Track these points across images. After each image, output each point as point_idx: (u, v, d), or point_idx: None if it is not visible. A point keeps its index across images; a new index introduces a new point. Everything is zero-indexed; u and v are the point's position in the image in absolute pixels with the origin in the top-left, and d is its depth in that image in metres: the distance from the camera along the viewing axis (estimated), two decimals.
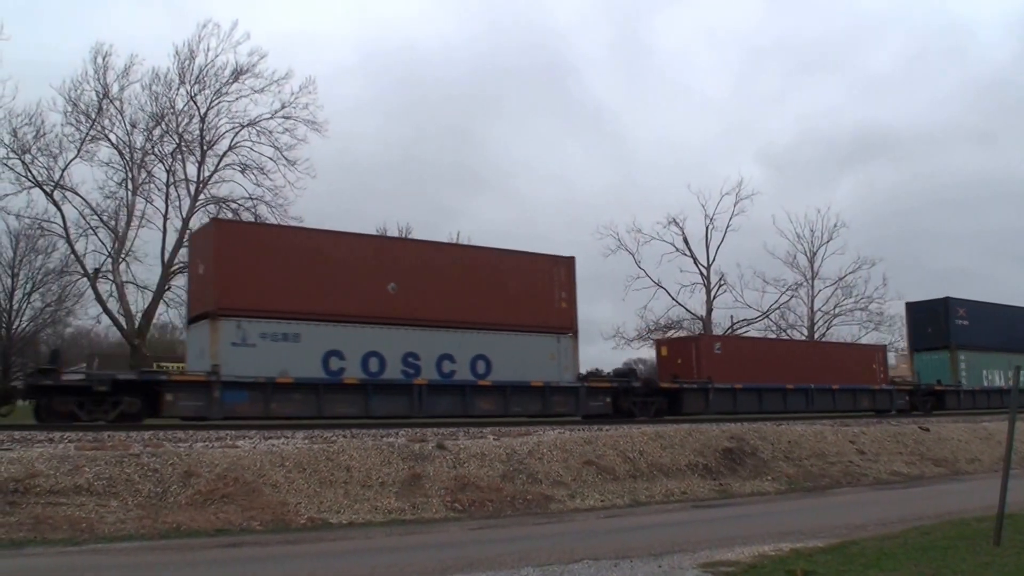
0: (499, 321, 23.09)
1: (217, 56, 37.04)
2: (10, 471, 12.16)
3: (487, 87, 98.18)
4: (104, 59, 35.53)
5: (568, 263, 24.98)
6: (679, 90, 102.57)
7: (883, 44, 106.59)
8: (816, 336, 52.68)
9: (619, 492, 16.28)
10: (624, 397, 25.47)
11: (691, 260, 51.92)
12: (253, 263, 19.96)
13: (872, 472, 20.75)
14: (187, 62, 36.85)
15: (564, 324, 24.36)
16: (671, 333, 51.01)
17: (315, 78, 42.77)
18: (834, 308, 54.56)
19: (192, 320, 21.46)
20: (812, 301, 54.43)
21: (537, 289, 24.00)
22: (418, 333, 21.74)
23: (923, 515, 13.26)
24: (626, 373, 27.65)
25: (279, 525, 12.38)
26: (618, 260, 52.63)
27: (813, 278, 54.34)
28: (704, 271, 51.76)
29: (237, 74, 37.22)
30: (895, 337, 53.34)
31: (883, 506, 15.48)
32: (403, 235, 47.71)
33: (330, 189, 69.76)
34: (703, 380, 28.04)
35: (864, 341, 50.82)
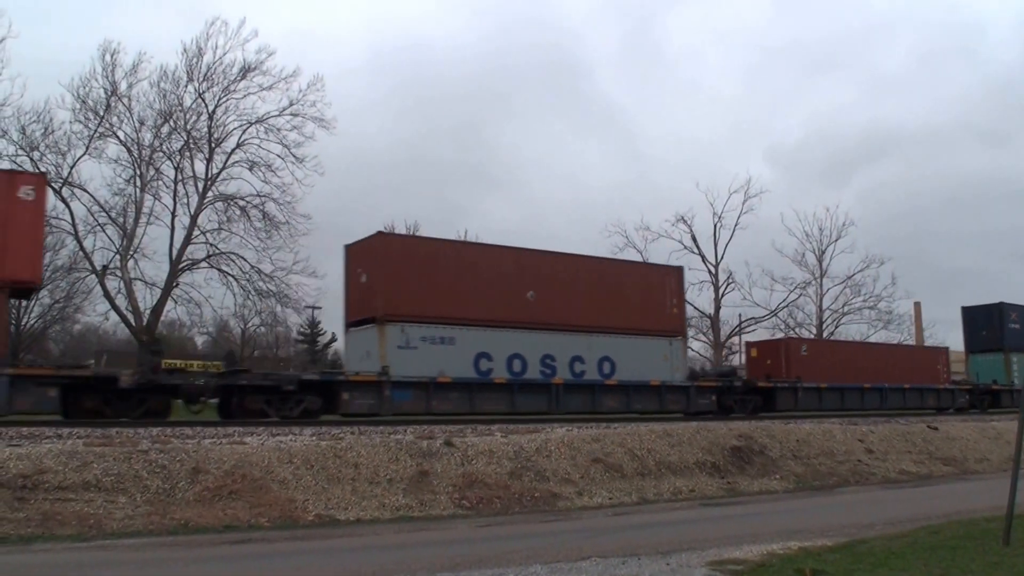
0: (621, 326, 25.05)
1: (225, 54, 37.04)
2: (19, 467, 12.20)
3: (497, 85, 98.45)
4: (112, 56, 35.56)
5: (678, 273, 27.95)
6: (689, 89, 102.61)
7: (893, 43, 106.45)
8: (824, 334, 52.53)
9: (627, 490, 16.26)
10: (726, 395, 27.57)
11: (699, 258, 51.88)
12: (412, 273, 21.91)
13: (881, 471, 20.69)
14: (195, 59, 36.87)
15: (675, 328, 26.76)
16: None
17: (323, 76, 42.91)
18: (843, 307, 54.50)
19: (352, 324, 23.01)
20: (821, 300, 54.35)
21: (652, 296, 26.25)
22: (553, 337, 23.76)
23: (932, 514, 13.20)
24: (728, 373, 30.18)
25: (287, 522, 12.40)
26: (626, 257, 52.44)
27: (822, 276, 54.23)
28: (712, 269, 51.67)
29: (245, 71, 37.23)
30: (904, 336, 53.18)
31: (892, 505, 15.43)
32: (411, 232, 47.88)
33: (340, 186, 70.04)
34: (793, 380, 30.05)
35: (874, 339, 50.79)
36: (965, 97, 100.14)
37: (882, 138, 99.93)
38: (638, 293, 25.97)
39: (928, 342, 53.45)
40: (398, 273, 21.74)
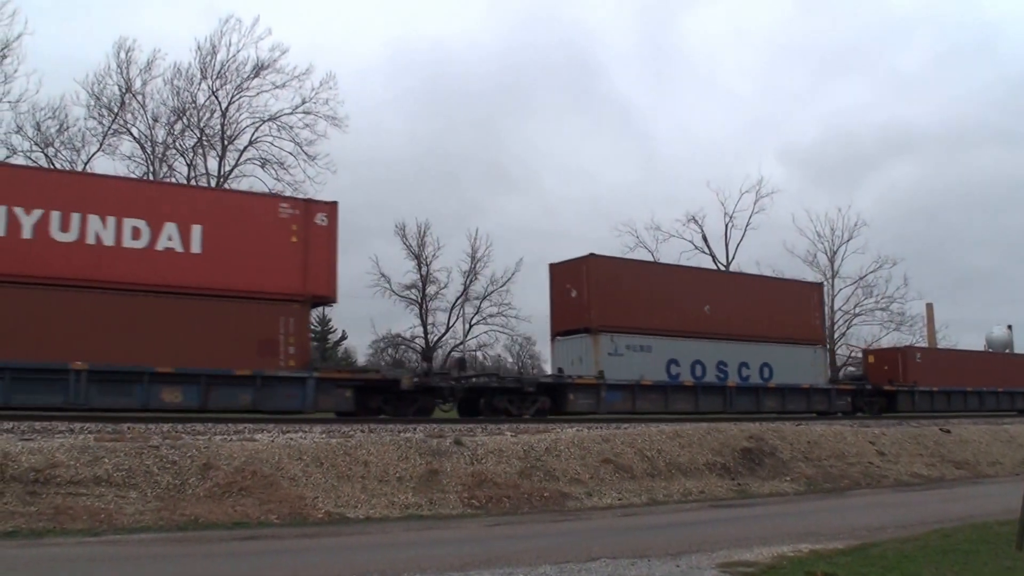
0: (777, 335, 28.45)
1: (239, 51, 37.28)
2: (31, 461, 12.27)
3: (514, 83, 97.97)
4: (127, 54, 35.83)
5: (819, 288, 32.71)
6: (705, 87, 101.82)
7: (911, 43, 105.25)
8: (836, 336, 52.26)
9: (637, 491, 16.21)
10: (858, 397, 31.08)
11: (710, 258, 51.77)
12: (618, 289, 25.28)
13: (892, 474, 20.56)
14: (209, 57, 37.12)
15: (818, 337, 30.55)
16: None
17: (336, 74, 43.01)
18: (854, 308, 54.18)
19: (560, 334, 26.02)
20: (832, 300, 54.06)
21: (800, 309, 29.86)
22: (726, 345, 27.09)
23: (944, 518, 13.10)
24: (859, 378, 33.85)
25: (296, 519, 12.41)
26: (637, 256, 52.31)
27: (833, 277, 53.93)
28: (723, 269, 51.48)
29: (258, 69, 37.44)
30: (916, 338, 52.82)
31: (903, 508, 15.32)
32: (422, 231, 48.05)
33: (356, 182, 69.99)
34: (911, 384, 33.61)
35: (885, 342, 50.52)
36: (983, 97, 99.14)
37: (898, 138, 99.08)
38: (789, 306, 29.59)
39: (941, 344, 53.10)
40: (607, 290, 25.04)
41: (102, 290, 18.00)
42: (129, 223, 18.48)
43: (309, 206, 20.67)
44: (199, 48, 37.23)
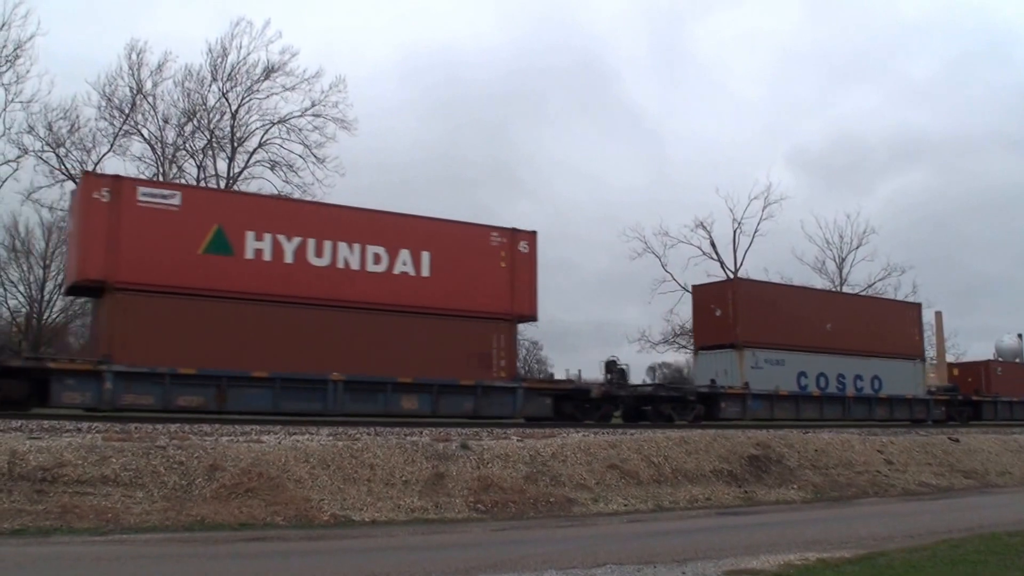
0: (884, 350, 31.28)
1: (249, 54, 37.40)
2: (39, 460, 12.31)
3: (525, 87, 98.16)
4: (139, 55, 35.97)
5: (917, 307, 35.62)
6: (715, 93, 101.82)
7: (923, 50, 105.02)
8: None
9: (643, 497, 16.17)
10: (950, 407, 33.81)
11: (718, 264, 51.65)
12: (758, 309, 28.28)
13: (900, 483, 20.45)
14: (220, 59, 37.23)
15: (918, 352, 33.66)
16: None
17: (345, 77, 42.80)
18: None
19: (703, 348, 29.09)
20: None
21: (903, 326, 33.07)
22: (844, 359, 29.81)
23: (953, 528, 13.01)
24: (952, 389, 35.81)
25: (302, 521, 12.42)
26: (645, 262, 52.25)
27: (842, 284, 53.64)
28: (731, 275, 51.33)
29: (268, 72, 37.54)
30: (925, 346, 52.48)
31: (911, 517, 15.23)
32: None
33: (368, 185, 70.37)
34: (993, 395, 36.39)
35: None
36: (995, 104, 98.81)
37: (909, 144, 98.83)
38: (893, 324, 32.58)
39: (950, 352, 52.85)
40: (750, 309, 28.04)
41: (350, 309, 20.45)
42: (371, 249, 21.09)
43: (514, 235, 23.36)
44: (210, 50, 37.38)
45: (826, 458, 20.45)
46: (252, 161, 38.37)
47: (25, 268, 44.37)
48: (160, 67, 36.27)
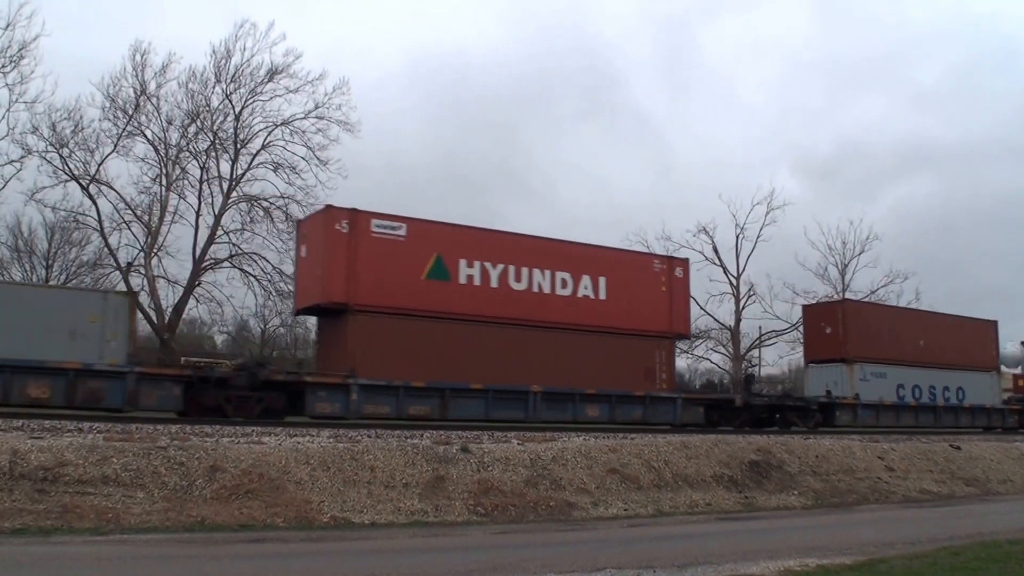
0: (966, 363, 34.27)
1: (253, 56, 37.37)
2: (40, 459, 12.32)
3: (532, 91, 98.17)
4: (143, 57, 35.95)
5: (994, 324, 37.12)
6: (723, 100, 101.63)
7: (931, 58, 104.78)
8: None
9: (643, 501, 16.15)
10: (1022, 415, 36.71)
11: (720, 269, 51.64)
12: (864, 327, 31.43)
13: (901, 489, 20.42)
14: (224, 61, 37.20)
15: (993, 365, 36.37)
16: (698, 343, 51.04)
17: (348, 79, 42.58)
18: None
19: (814, 362, 32.32)
20: None
21: (981, 341, 35.83)
22: (934, 372, 32.85)
23: (953, 535, 12.99)
24: (1022, 398, 38.88)
25: (302, 522, 12.42)
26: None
27: (844, 291, 53.58)
28: (734, 281, 51.28)
29: (272, 74, 37.49)
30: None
31: (912, 524, 15.22)
32: None
33: (375, 187, 70.55)
34: None
35: None
36: (1003, 112, 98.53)
37: (915, 152, 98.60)
38: (974, 339, 35.42)
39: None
40: (859, 327, 31.13)
41: (543, 328, 22.99)
42: (559, 275, 23.75)
43: (671, 262, 26.95)
44: (214, 52, 37.30)
45: (827, 464, 20.42)
46: (255, 163, 38.35)
47: (28, 268, 44.45)
48: (164, 68, 36.24)
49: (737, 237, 51.14)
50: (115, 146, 35.54)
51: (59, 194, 35.38)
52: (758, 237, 50.79)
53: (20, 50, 32.68)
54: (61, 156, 34.40)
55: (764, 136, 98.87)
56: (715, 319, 51.51)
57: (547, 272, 23.46)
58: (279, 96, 37.82)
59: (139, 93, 35.82)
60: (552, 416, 22.82)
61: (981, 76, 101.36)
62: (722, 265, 51.19)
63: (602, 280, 24.37)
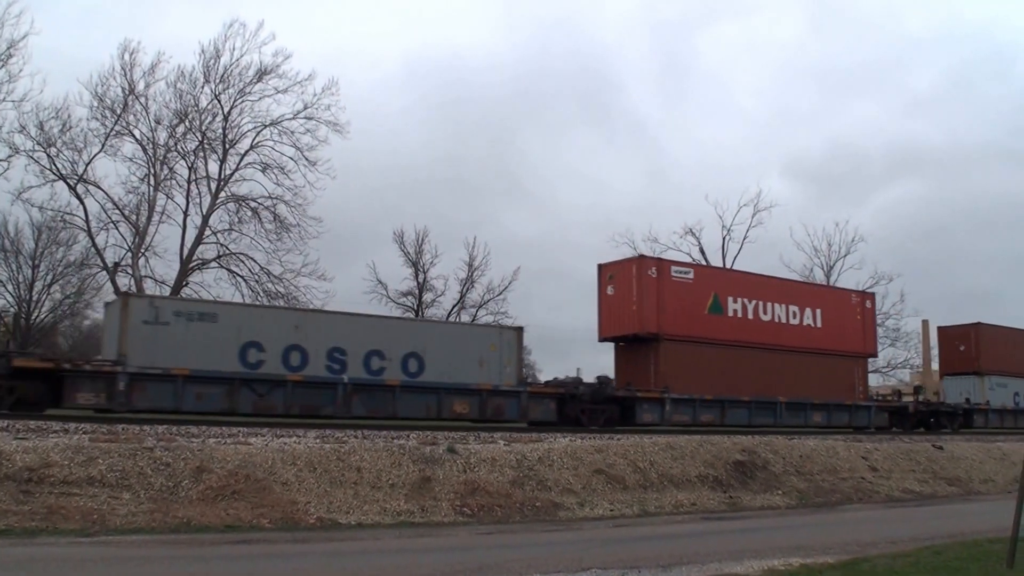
0: None
1: (242, 56, 37.32)
2: (25, 460, 12.28)
3: (530, 94, 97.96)
4: (131, 56, 35.81)
5: None
6: (717, 104, 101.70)
7: (924, 63, 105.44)
8: None
9: (628, 502, 16.23)
10: None
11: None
12: (992, 345, 37.24)
13: (884, 489, 20.59)
14: (212, 61, 37.11)
15: None
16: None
17: (337, 79, 42.47)
18: None
19: (950, 374, 37.74)
20: None
21: None
22: None
23: (935, 534, 13.11)
24: None
25: (288, 523, 12.43)
26: None
27: None
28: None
29: (261, 74, 37.43)
30: (911, 354, 52.94)
31: (894, 524, 15.35)
32: (420, 238, 48.20)
33: (370, 189, 70.37)
34: None
35: (881, 357, 50.80)
36: (993, 117, 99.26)
37: (905, 156, 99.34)
38: None
39: (935, 361, 53.19)
40: (991, 347, 37.07)
41: (782, 351, 28.76)
42: (791, 308, 29.76)
43: (863, 295, 33.81)
44: (203, 52, 37.23)
45: (811, 464, 20.57)
46: (243, 163, 38.26)
47: (14, 268, 44.19)
48: (153, 68, 36.11)
49: (724, 239, 51.51)
50: (103, 146, 35.40)
51: (46, 193, 35.22)
52: (744, 238, 51.23)
53: (8, 48, 32.51)
54: (48, 155, 34.23)
55: (757, 140, 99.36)
56: None
57: (782, 306, 29.51)
58: (268, 96, 37.78)
59: (127, 92, 35.69)
60: (792, 421, 28.31)
61: (973, 82, 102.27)
62: (708, 266, 51.47)
63: (818, 311, 30.42)
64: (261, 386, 19.79)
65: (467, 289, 49.78)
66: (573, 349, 72.55)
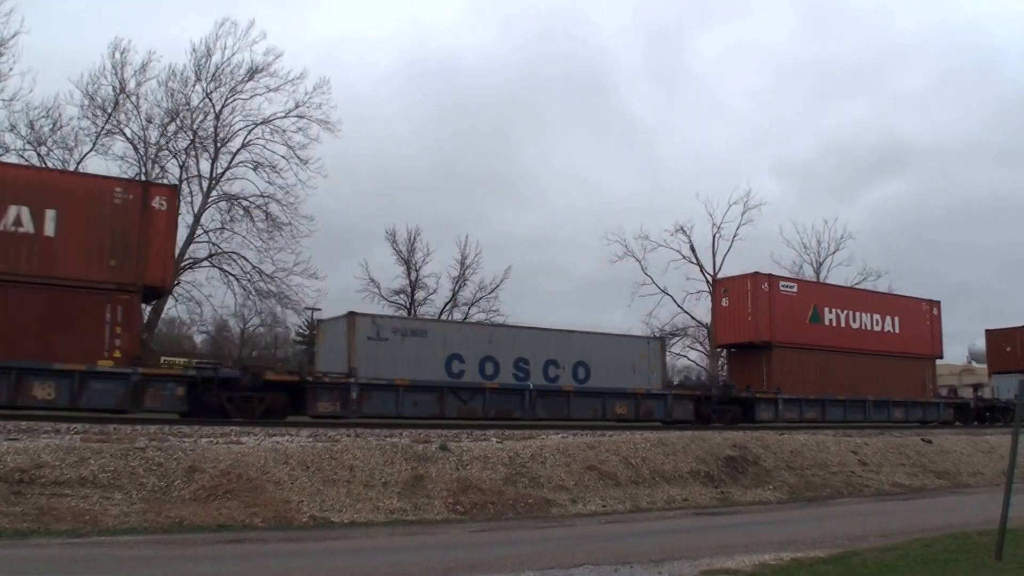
0: None
1: (234, 54, 37.30)
2: (16, 461, 12.24)
3: (524, 96, 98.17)
4: (122, 54, 35.77)
5: None
6: (710, 105, 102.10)
7: (914, 65, 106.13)
8: None
9: (621, 498, 16.29)
10: None
11: (697, 268, 52.31)
12: None
13: (874, 483, 20.71)
14: (204, 59, 37.08)
15: None
16: (676, 340, 51.83)
17: (329, 78, 42.51)
18: None
19: (998, 372, 40.55)
20: None
21: None
22: None
23: (925, 527, 13.22)
24: None
25: (281, 522, 12.43)
26: (625, 266, 52.81)
27: None
28: (710, 279, 51.77)
29: (252, 73, 37.45)
30: None
31: (884, 517, 15.45)
32: (412, 237, 48.23)
33: (368, 190, 70.46)
34: None
35: None
36: (981, 118, 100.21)
37: (896, 156, 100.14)
38: None
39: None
40: None
41: (867, 355, 32.68)
42: (874, 316, 33.84)
43: (930, 304, 36.73)
44: (194, 50, 37.22)
45: (801, 459, 20.67)
46: (235, 162, 38.27)
47: None
48: (144, 67, 36.12)
49: (714, 236, 52.09)
50: (94, 144, 35.39)
51: None
52: (735, 236, 51.90)
53: None
54: (39, 154, 34.19)
55: (750, 140, 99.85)
56: (692, 317, 52.16)
57: (868, 314, 33.43)
58: (259, 95, 37.87)
59: (118, 91, 35.68)
60: (878, 418, 32.14)
61: (961, 83, 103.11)
62: (699, 264, 51.86)
63: (896, 319, 34.44)
64: (464, 393, 22.57)
65: (459, 287, 49.95)
66: None
